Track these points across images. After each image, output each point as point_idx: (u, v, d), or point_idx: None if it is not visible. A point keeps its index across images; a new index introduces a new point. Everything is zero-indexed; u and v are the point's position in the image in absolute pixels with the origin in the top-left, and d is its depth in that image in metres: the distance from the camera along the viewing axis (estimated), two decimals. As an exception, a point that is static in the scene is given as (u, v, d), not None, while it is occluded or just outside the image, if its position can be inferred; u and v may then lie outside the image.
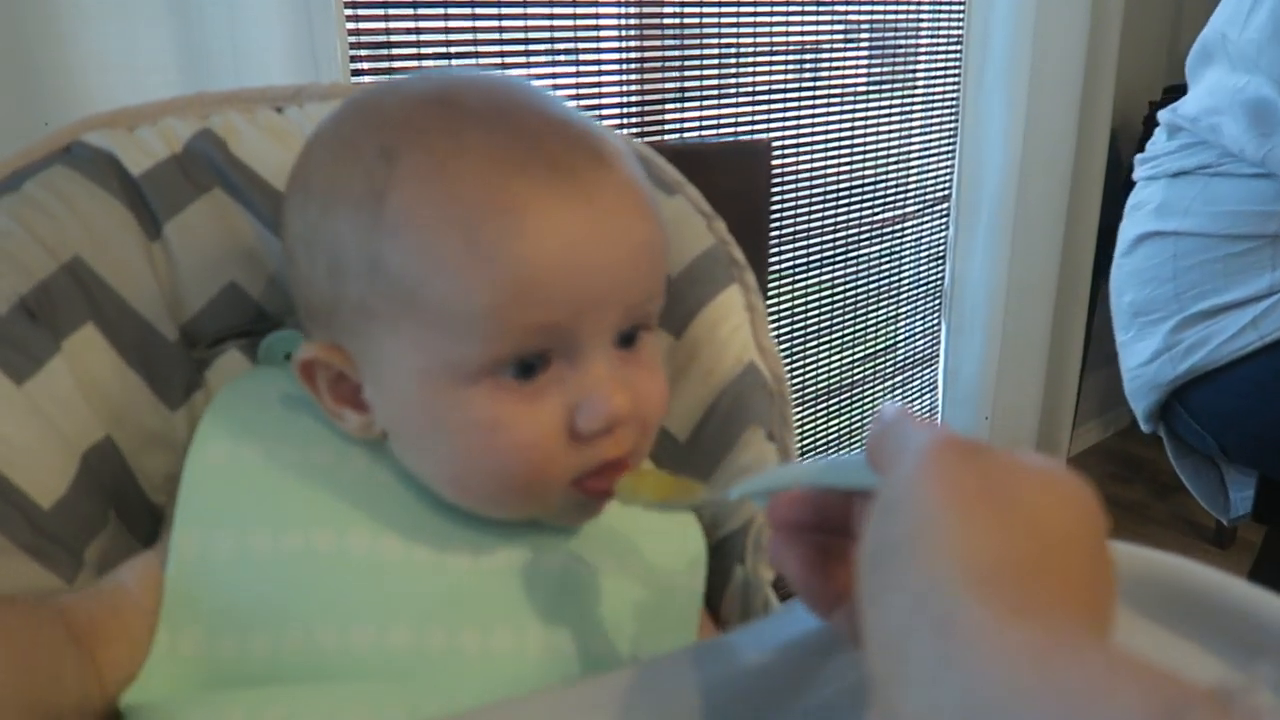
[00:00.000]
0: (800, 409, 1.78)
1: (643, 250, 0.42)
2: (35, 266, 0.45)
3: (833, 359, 1.82)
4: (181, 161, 0.51)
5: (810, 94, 1.62)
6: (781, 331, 1.70)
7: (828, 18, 1.61)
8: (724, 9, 1.45)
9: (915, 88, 1.82)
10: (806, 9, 1.57)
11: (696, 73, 1.45)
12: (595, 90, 1.36)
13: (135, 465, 0.49)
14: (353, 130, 0.43)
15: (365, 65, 1.14)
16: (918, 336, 1.99)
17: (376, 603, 0.42)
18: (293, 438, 0.45)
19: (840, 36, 1.65)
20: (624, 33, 1.36)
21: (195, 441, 0.44)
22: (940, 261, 1.95)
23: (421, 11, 1.16)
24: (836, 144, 1.68)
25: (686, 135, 1.46)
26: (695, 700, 0.35)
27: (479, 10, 1.20)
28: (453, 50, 1.19)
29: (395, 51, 1.15)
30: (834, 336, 1.81)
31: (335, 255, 0.41)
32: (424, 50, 1.17)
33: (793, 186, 1.63)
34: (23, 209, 0.46)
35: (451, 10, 1.18)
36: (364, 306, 0.41)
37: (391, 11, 1.13)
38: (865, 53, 1.73)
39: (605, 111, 1.37)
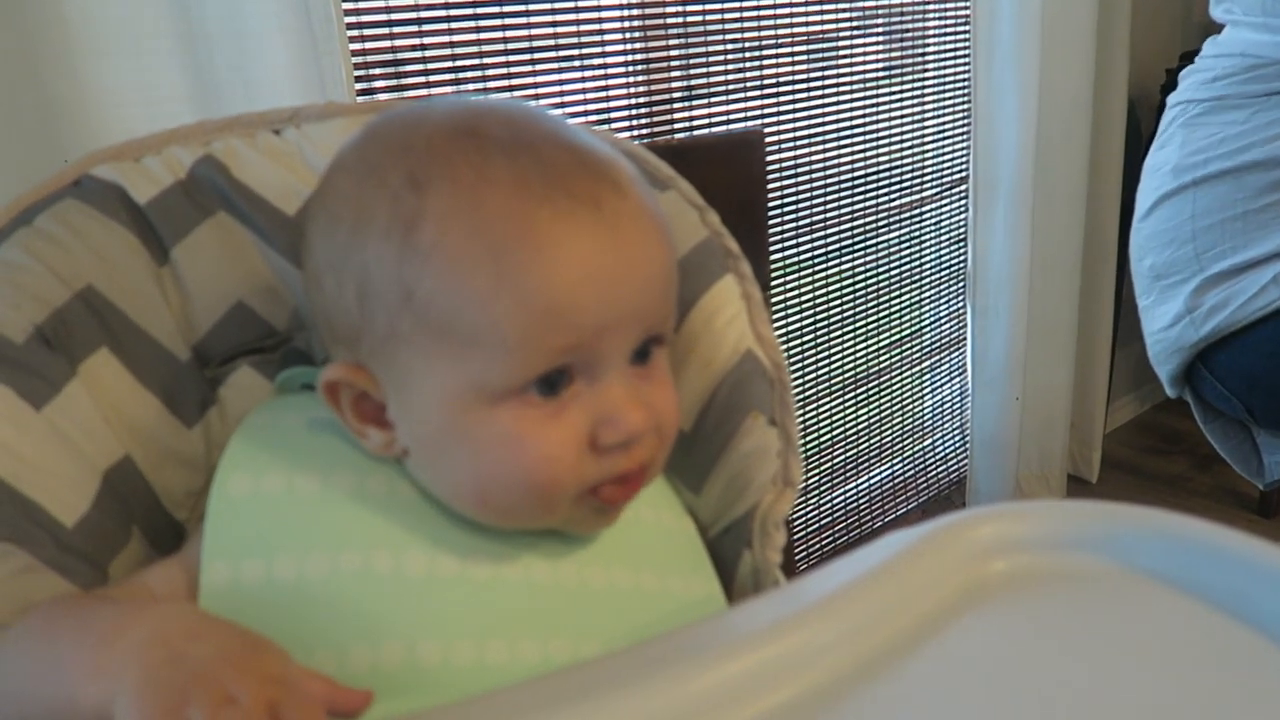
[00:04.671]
0: (829, 398, 1.78)
1: (660, 274, 0.44)
2: (50, 296, 0.47)
3: (858, 347, 1.81)
4: (186, 187, 0.52)
5: (822, 84, 1.62)
6: (805, 321, 1.70)
7: (841, 5, 1.61)
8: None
9: (926, 71, 1.81)
10: (816, -1, 1.57)
11: (703, 68, 1.45)
12: (602, 93, 1.37)
13: (155, 482, 0.50)
14: (378, 157, 0.43)
15: (375, 85, 1.16)
16: (943, 320, 1.97)
17: (404, 620, 0.43)
18: (312, 466, 0.46)
19: (853, 25, 1.65)
20: (628, 35, 1.37)
21: (217, 477, 0.45)
22: (962, 244, 1.94)
23: (426, 28, 1.17)
24: (851, 132, 1.68)
25: (697, 131, 1.47)
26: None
27: (482, 23, 1.21)
28: (459, 63, 1.21)
29: (403, 69, 1.17)
30: (859, 324, 1.80)
31: (364, 282, 0.42)
32: (431, 65, 1.19)
33: (808, 176, 1.63)
34: (36, 242, 0.48)
35: (455, 25, 1.19)
36: (393, 331, 0.42)
37: (396, 30, 1.15)
38: (878, 40, 1.73)
39: (614, 113, 1.38)
